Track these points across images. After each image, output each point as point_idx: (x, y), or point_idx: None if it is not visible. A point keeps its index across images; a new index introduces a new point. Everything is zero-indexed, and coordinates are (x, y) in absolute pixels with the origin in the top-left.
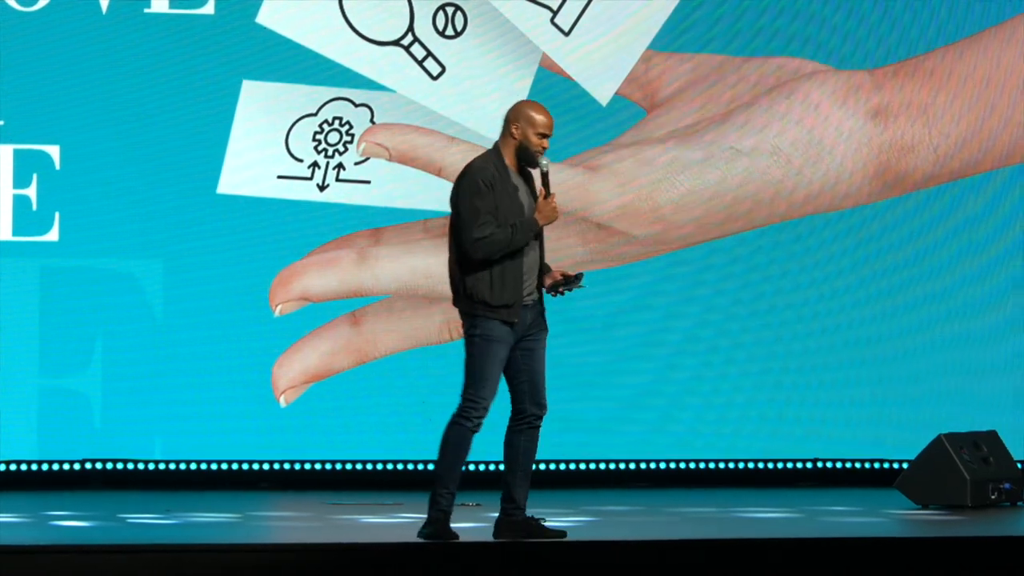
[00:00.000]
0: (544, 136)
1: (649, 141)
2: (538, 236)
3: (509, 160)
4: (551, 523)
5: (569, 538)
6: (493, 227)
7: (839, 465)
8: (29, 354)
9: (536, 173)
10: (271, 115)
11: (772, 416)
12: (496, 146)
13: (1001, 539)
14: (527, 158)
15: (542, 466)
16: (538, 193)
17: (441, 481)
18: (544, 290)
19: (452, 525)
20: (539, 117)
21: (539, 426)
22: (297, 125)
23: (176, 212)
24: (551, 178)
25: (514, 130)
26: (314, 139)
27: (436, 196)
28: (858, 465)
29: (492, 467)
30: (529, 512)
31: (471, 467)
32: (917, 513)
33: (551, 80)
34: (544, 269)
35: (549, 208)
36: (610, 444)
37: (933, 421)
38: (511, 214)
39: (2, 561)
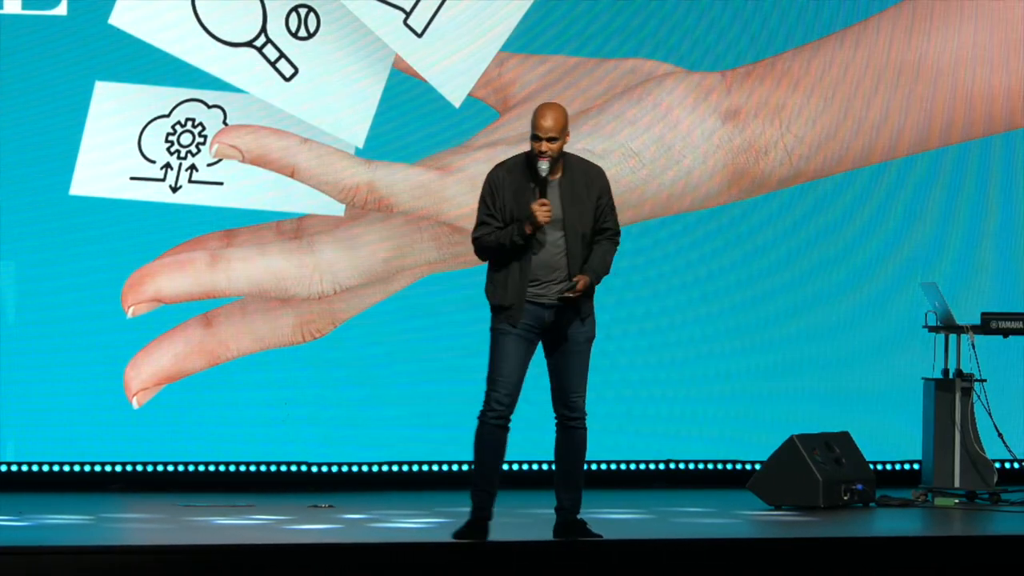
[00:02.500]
0: (539, 139)
1: (502, 143)
2: (564, 237)
3: None
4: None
5: (409, 539)
6: (490, 228)
7: (691, 466)
8: None
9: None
10: (124, 116)
11: (623, 416)
12: None
13: (853, 540)
14: (531, 160)
15: (414, 467)
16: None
17: (473, 479)
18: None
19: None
20: (536, 119)
21: (574, 427)
22: (150, 126)
23: (29, 213)
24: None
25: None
26: (167, 140)
27: (289, 198)
28: (711, 466)
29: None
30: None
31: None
32: (769, 514)
33: (404, 81)
34: (576, 271)
35: (532, 211)
36: (458, 444)
37: (786, 422)
38: (516, 216)
39: None
